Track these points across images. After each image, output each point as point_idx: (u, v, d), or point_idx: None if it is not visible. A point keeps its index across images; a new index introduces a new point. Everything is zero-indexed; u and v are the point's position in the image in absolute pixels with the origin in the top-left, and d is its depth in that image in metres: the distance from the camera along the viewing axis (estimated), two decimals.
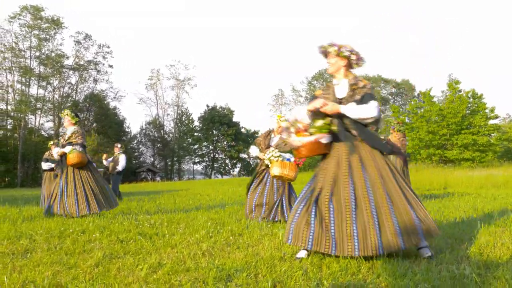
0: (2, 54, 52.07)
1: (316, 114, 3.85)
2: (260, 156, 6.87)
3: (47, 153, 12.38)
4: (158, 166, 64.42)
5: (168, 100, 67.99)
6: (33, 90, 54.23)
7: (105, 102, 57.93)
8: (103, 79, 60.19)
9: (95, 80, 59.08)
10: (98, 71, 58.80)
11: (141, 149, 64.30)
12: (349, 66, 3.97)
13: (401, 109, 49.71)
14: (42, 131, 54.14)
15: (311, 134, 3.83)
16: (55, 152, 8.02)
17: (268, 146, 6.86)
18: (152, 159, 65.23)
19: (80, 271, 3.50)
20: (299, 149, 3.90)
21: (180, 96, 67.03)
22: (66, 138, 7.81)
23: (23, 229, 5.86)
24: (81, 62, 57.20)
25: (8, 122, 52.07)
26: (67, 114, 7.89)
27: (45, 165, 12.11)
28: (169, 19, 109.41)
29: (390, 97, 74.25)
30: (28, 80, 52.99)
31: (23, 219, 7.28)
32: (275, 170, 6.25)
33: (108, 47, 59.03)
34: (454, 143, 33.19)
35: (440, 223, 5.77)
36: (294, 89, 74.24)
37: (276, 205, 6.64)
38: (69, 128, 7.99)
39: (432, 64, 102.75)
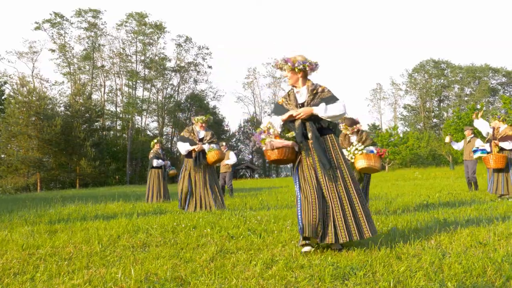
0: (111, 60, 55.77)
1: (286, 123, 4.26)
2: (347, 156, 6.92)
3: (154, 151, 12.99)
4: (256, 163, 65.49)
5: (265, 98, 68.78)
6: (139, 92, 57.60)
7: (205, 102, 59.91)
8: (203, 79, 62.53)
9: (195, 81, 61.42)
10: (198, 72, 61.00)
11: (239, 146, 65.77)
12: (305, 75, 4.33)
13: None
14: (147, 131, 57.20)
15: (287, 139, 4.20)
16: (184, 149, 8.46)
17: (351, 144, 6.98)
18: (251, 156, 66.47)
19: (197, 265, 3.62)
20: (273, 151, 4.16)
21: (276, 94, 67.68)
22: (208, 139, 8.51)
23: (139, 223, 6.19)
24: (182, 64, 59.60)
25: (117, 123, 55.70)
26: (202, 120, 8.56)
27: (156, 162, 12.70)
28: (265, 18, 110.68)
29: (499, 87, 69.52)
30: (134, 83, 56.23)
31: (138, 214, 7.72)
32: (362, 163, 6.40)
33: (207, 48, 61.00)
34: None
35: None
36: (394, 83, 71.95)
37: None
38: (201, 131, 8.62)
39: None
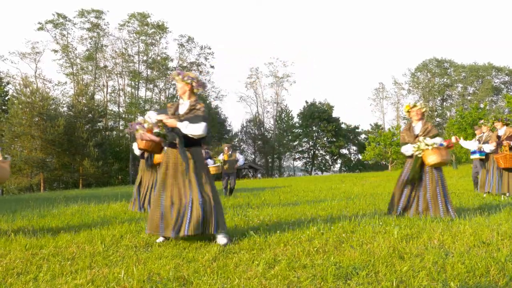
0: (114, 60, 55.83)
1: (159, 123, 4.95)
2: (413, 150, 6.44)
3: None
4: (259, 163, 65.40)
5: (267, 98, 68.82)
6: (142, 92, 57.55)
7: (208, 102, 59.90)
8: (205, 79, 62.34)
9: None
10: (201, 72, 60.95)
11: (242, 146, 65.71)
12: (192, 91, 5.01)
13: None
14: None
15: (157, 136, 5.02)
16: (137, 149, 8.33)
17: (416, 136, 6.58)
18: (253, 156, 66.39)
19: (200, 265, 3.63)
20: (142, 141, 5.28)
21: (279, 93, 67.62)
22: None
23: (142, 224, 6.19)
24: (184, 64, 59.57)
25: (120, 123, 55.75)
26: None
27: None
28: (266, 18, 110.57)
29: (503, 86, 69.25)
30: (137, 83, 56.24)
31: (141, 214, 7.72)
32: (433, 158, 6.10)
33: (210, 48, 60.95)
34: None
35: None
36: (396, 82, 71.69)
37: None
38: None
39: None
